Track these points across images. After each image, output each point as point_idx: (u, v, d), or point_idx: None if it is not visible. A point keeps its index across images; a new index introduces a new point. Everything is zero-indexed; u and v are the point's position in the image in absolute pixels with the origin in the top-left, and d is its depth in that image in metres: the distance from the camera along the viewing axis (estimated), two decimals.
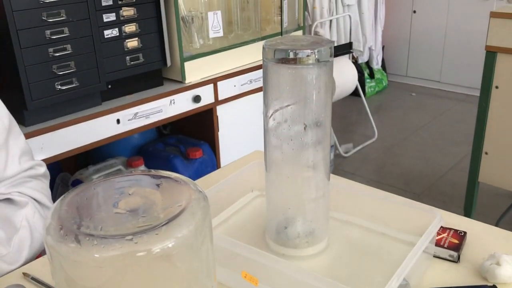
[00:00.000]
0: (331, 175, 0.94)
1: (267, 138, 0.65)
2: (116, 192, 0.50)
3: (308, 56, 0.57)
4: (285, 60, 0.57)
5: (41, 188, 0.93)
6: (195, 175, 1.97)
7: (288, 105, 0.61)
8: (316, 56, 0.58)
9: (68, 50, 1.56)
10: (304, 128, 0.62)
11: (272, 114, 0.62)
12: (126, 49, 1.73)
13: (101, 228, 0.44)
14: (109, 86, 1.74)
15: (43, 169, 0.96)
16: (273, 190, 0.69)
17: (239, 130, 2.11)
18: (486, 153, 1.92)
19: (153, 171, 0.53)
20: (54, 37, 1.51)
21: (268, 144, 0.66)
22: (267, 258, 0.60)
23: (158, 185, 0.51)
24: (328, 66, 0.59)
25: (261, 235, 0.76)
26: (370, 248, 0.73)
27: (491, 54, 1.81)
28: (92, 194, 0.50)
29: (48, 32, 1.50)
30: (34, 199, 0.90)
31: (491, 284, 0.65)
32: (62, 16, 1.52)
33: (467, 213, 2.02)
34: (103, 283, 0.42)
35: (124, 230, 0.42)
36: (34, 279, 0.72)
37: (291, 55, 0.57)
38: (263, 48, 0.60)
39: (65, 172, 2.00)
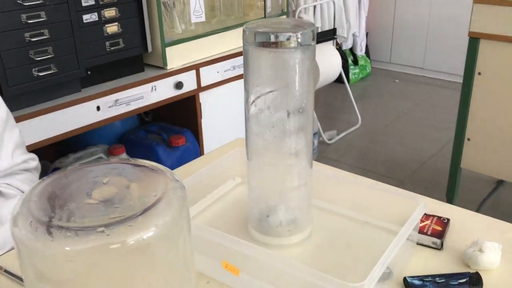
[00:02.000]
0: (314, 162, 0.92)
1: (248, 125, 0.63)
2: (90, 182, 0.48)
3: (289, 39, 0.55)
4: (266, 44, 0.55)
5: (30, 181, 0.91)
6: (178, 163, 1.94)
7: (270, 91, 0.59)
8: (299, 39, 0.56)
9: (46, 35, 1.52)
10: (287, 115, 0.60)
11: (253, 101, 0.60)
12: (105, 34, 1.69)
13: (73, 220, 0.42)
14: (89, 73, 1.70)
15: (35, 163, 0.94)
16: (255, 178, 0.68)
17: (223, 117, 2.09)
18: (468, 139, 1.92)
19: (129, 160, 0.51)
20: (31, 21, 1.47)
21: (249, 132, 0.64)
22: (248, 247, 0.59)
23: (133, 174, 0.49)
24: (310, 50, 0.57)
25: (243, 223, 0.74)
26: (353, 236, 0.72)
27: (474, 41, 1.81)
28: (64, 183, 0.48)
29: (24, 16, 1.45)
30: (23, 192, 0.87)
31: (474, 271, 0.65)
32: (39, 0, 1.47)
33: (450, 199, 2.04)
34: (75, 277, 0.41)
35: (96, 222, 0.41)
36: (7, 271, 0.69)
37: (272, 38, 0.55)
38: (244, 31, 0.58)
39: (45, 161, 1.96)
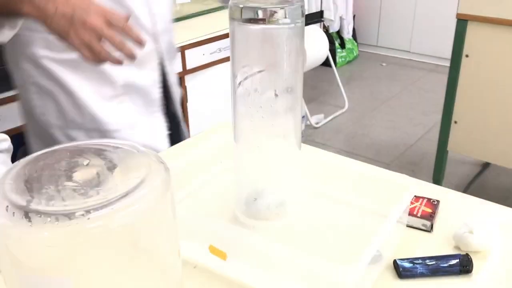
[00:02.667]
0: (303, 145, 0.91)
1: (235, 106, 0.62)
2: (70, 163, 0.46)
3: (277, 13, 0.53)
4: (253, 20, 0.53)
5: (2, 163, 0.88)
6: None
7: (258, 71, 0.57)
8: (287, 15, 0.54)
9: None
10: (275, 95, 0.59)
11: (240, 82, 0.58)
12: None
13: (52, 204, 0.40)
14: None
15: (6, 143, 0.91)
16: (242, 161, 0.66)
17: (209, 100, 2.06)
18: (455, 122, 1.93)
19: (111, 141, 0.49)
20: None
21: (236, 113, 0.62)
22: (235, 231, 0.58)
23: (116, 156, 0.47)
24: (299, 27, 0.56)
25: (231, 207, 0.73)
26: (342, 219, 0.72)
27: (462, 22, 1.80)
28: (42, 165, 0.45)
29: None
30: None
31: (464, 253, 0.64)
32: None
33: (436, 182, 2.05)
34: (55, 263, 0.39)
35: (76, 205, 0.39)
36: None
37: (260, 14, 0.53)
38: (230, 7, 0.56)
39: (26, 146, 1.91)
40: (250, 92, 0.59)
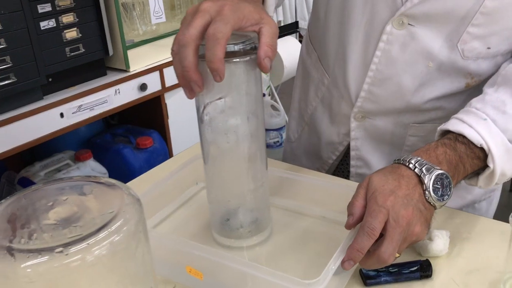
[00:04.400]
0: (274, 161, 0.96)
1: (201, 132, 0.66)
2: (49, 201, 0.50)
3: (231, 51, 0.58)
4: (204, 56, 0.57)
5: None
6: (146, 165, 1.95)
7: (219, 98, 0.62)
8: (240, 49, 0.59)
9: (2, 44, 1.51)
10: (239, 122, 0.63)
11: (204, 109, 0.63)
12: (65, 40, 1.69)
13: (34, 240, 0.44)
14: (50, 80, 1.69)
15: None
16: (213, 183, 0.71)
17: (189, 116, 2.10)
18: None
19: (87, 177, 0.53)
20: None
21: (203, 138, 0.67)
22: (209, 251, 0.62)
23: (91, 191, 0.51)
24: (253, 60, 0.60)
25: (207, 227, 0.77)
26: (313, 232, 0.76)
27: None
28: (24, 204, 0.49)
29: None
30: None
31: (424, 259, 0.69)
32: None
33: None
34: None
35: (55, 242, 0.42)
36: None
37: None
38: None
39: (10, 171, 1.94)
40: (215, 118, 0.63)
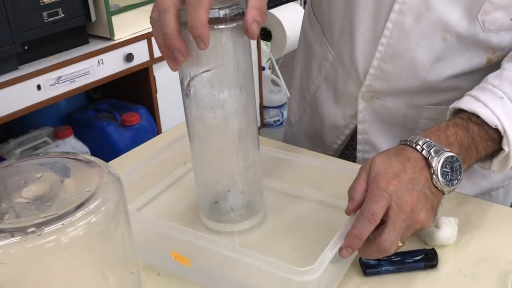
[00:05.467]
0: (269, 140, 0.97)
1: (186, 107, 0.67)
2: (23, 178, 0.51)
3: (214, 16, 0.59)
4: (186, 23, 0.58)
5: None
6: (133, 144, 1.96)
7: (206, 71, 0.62)
8: (226, 15, 0.59)
9: None
10: (227, 95, 0.64)
11: (188, 82, 0.63)
12: (42, 3, 1.68)
13: (6, 220, 0.45)
14: (26, 48, 1.69)
15: None
16: (199, 163, 0.72)
17: (179, 90, 2.10)
18: None
19: (63, 153, 0.54)
20: None
21: (188, 114, 0.68)
22: (196, 236, 0.63)
23: (68, 169, 0.52)
24: (241, 26, 0.61)
25: (195, 211, 0.78)
26: (309, 217, 0.78)
27: None
28: None
29: None
30: None
31: (430, 247, 0.70)
32: None
33: None
34: (8, 279, 0.44)
35: (28, 221, 0.44)
36: None
37: None
38: None
39: None
40: (200, 92, 0.64)
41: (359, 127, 0.94)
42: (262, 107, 2.92)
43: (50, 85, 1.72)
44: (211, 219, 0.74)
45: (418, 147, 0.66)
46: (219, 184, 0.72)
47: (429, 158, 0.65)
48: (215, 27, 0.60)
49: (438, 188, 0.65)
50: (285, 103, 2.95)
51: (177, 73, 0.66)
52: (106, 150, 1.94)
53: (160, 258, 0.69)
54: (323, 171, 0.79)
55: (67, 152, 0.55)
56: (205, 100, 0.65)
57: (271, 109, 2.99)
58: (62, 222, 0.44)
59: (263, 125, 2.99)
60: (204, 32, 0.57)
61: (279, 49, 2.91)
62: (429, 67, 0.83)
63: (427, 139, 0.66)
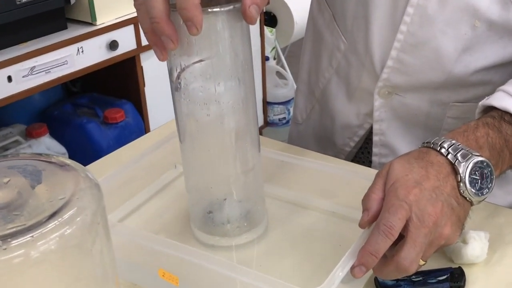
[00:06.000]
0: (272, 141, 0.97)
1: (176, 103, 0.67)
2: None
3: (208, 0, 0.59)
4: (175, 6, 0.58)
5: None
6: (117, 144, 1.96)
7: (198, 61, 0.62)
8: None
9: None
10: (222, 89, 0.64)
11: (178, 75, 0.63)
12: None
13: None
14: None
15: None
16: (191, 167, 0.72)
17: None
18: None
19: (35, 155, 0.54)
20: None
21: (178, 111, 0.68)
22: (187, 251, 0.63)
23: (39, 173, 0.52)
24: (238, 9, 0.60)
25: (186, 222, 0.78)
26: (318, 230, 0.77)
27: None
28: None
29: None
30: None
31: (457, 266, 0.70)
32: None
33: None
34: None
35: None
36: None
37: None
38: None
39: None
40: (192, 86, 0.64)
41: (375, 127, 0.94)
42: (266, 103, 2.92)
43: (23, 77, 1.72)
44: (205, 231, 0.74)
45: (443, 150, 0.65)
46: (214, 191, 0.72)
47: (456, 163, 0.64)
48: (209, 10, 0.60)
49: (465, 198, 0.65)
50: (292, 98, 2.95)
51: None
52: (86, 151, 1.93)
53: (145, 276, 0.69)
54: (333, 177, 0.79)
55: (39, 154, 0.54)
56: (197, 95, 0.64)
57: (276, 106, 2.99)
58: (31, 235, 0.44)
59: (267, 123, 2.99)
60: (195, 14, 0.56)
61: (286, 37, 2.91)
62: (456, 58, 0.82)
63: (454, 141, 0.66)
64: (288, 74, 3.04)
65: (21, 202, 0.48)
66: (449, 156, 0.65)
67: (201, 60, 0.62)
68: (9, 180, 0.51)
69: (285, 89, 3.00)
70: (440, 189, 0.63)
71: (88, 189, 0.49)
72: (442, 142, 0.66)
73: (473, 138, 0.67)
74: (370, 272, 0.63)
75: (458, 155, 0.64)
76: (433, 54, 0.83)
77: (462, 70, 0.83)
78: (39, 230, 0.44)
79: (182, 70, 0.63)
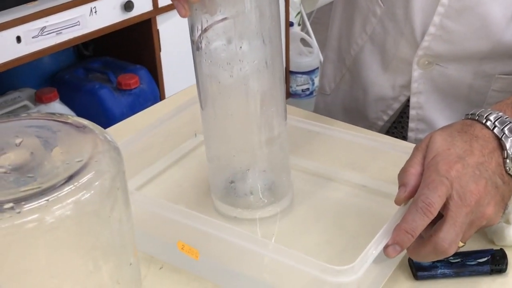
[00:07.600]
0: (298, 110, 0.96)
1: (197, 63, 0.66)
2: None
3: None
4: None
5: None
6: (130, 111, 1.96)
7: (221, 19, 0.61)
8: None
9: None
10: (247, 48, 0.63)
11: (201, 34, 0.62)
12: None
13: None
14: None
15: None
16: (212, 134, 0.71)
17: (188, 48, 2.09)
18: None
19: (49, 115, 0.54)
20: None
21: (199, 73, 0.67)
22: (208, 223, 0.62)
23: (54, 134, 0.51)
24: None
25: (207, 192, 0.78)
26: (347, 205, 0.77)
27: None
28: None
29: None
30: None
31: (498, 248, 0.69)
32: None
33: None
34: None
35: (4, 196, 0.43)
36: None
37: None
38: None
39: None
40: (214, 45, 0.63)
41: (413, 100, 0.93)
42: (289, 73, 2.90)
43: (32, 37, 1.72)
44: (226, 202, 0.73)
45: (489, 123, 0.64)
46: (236, 160, 0.71)
47: (503, 138, 0.63)
48: None
49: (511, 175, 0.63)
50: (317, 68, 2.93)
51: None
52: (98, 119, 1.92)
53: (164, 248, 0.69)
54: (365, 149, 0.78)
55: (53, 114, 0.54)
56: (220, 55, 0.63)
57: (299, 75, 2.97)
58: (46, 198, 0.43)
59: (289, 94, 2.98)
60: None
61: (312, 1, 2.88)
62: (505, 25, 0.80)
63: (501, 114, 0.64)
64: (314, 41, 3.00)
65: (35, 164, 0.47)
66: (496, 130, 0.63)
67: (225, 18, 0.61)
68: (21, 141, 0.50)
69: (310, 57, 2.97)
70: (484, 166, 0.62)
71: (107, 152, 0.49)
72: (488, 114, 0.64)
73: None
74: (404, 252, 0.62)
75: (506, 129, 0.63)
76: (480, 21, 0.81)
77: (510, 39, 0.81)
78: (55, 194, 0.44)
79: (204, 30, 0.62)
